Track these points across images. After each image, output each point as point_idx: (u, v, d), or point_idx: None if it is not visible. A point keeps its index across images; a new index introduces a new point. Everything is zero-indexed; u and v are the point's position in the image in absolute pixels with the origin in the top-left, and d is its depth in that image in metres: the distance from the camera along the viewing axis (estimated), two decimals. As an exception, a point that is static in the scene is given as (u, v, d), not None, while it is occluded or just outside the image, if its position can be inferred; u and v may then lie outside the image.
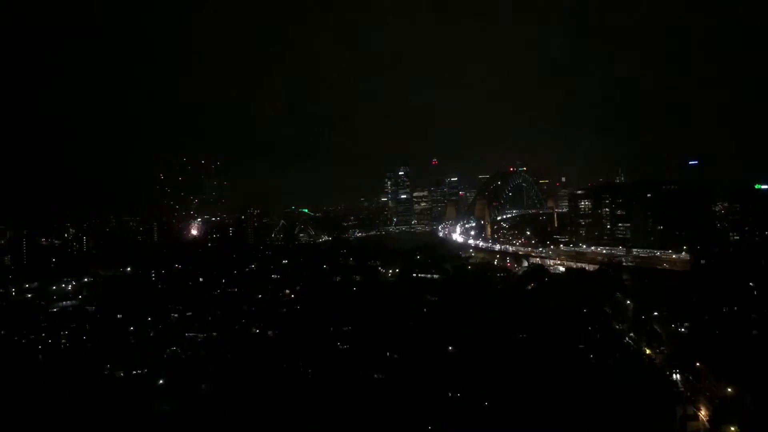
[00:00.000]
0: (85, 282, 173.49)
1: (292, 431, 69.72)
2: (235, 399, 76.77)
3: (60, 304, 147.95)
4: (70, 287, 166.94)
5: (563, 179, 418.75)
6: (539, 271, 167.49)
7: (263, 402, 75.43)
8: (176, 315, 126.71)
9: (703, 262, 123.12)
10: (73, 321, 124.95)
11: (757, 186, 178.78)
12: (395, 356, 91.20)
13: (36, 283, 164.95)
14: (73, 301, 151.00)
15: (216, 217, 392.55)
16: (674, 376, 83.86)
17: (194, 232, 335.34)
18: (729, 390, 72.71)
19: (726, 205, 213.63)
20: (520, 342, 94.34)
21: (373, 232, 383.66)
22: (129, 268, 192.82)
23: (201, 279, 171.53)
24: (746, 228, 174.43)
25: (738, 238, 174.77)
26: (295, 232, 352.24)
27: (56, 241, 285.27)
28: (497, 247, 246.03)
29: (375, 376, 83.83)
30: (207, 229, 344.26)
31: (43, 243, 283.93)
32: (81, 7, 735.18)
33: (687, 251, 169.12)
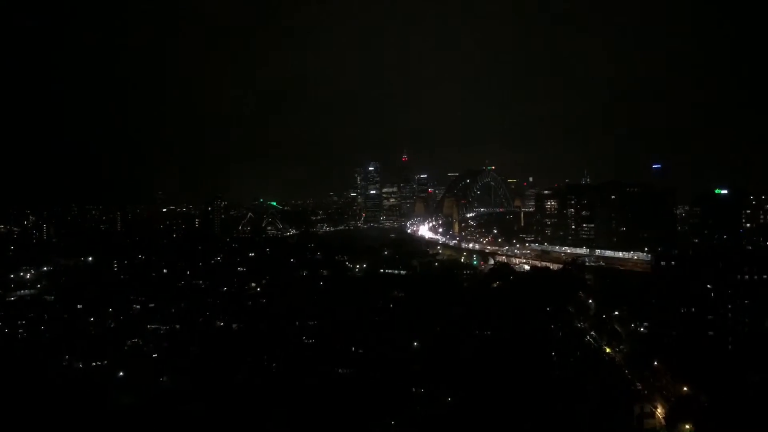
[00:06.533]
0: (45, 271, 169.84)
1: (254, 426, 69.07)
2: (197, 393, 75.78)
3: (18, 293, 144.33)
4: (28, 276, 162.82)
5: (530, 179, 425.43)
6: (505, 269, 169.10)
7: (226, 396, 74.62)
8: (138, 306, 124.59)
9: (663, 263, 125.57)
10: (31, 310, 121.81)
11: (717, 191, 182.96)
12: (360, 351, 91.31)
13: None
14: (32, 291, 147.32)
15: (182, 208, 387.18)
16: (633, 374, 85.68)
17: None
18: (685, 389, 74.61)
19: (687, 208, 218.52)
20: (484, 339, 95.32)
21: (341, 227, 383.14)
22: (90, 258, 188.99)
23: (165, 270, 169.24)
24: (706, 231, 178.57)
25: (697, 240, 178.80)
26: (263, 225, 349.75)
27: (15, 229, 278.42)
28: (464, 244, 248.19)
29: (340, 371, 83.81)
30: (172, 219, 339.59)
31: (1, 230, 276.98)
32: None
33: (648, 252, 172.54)
